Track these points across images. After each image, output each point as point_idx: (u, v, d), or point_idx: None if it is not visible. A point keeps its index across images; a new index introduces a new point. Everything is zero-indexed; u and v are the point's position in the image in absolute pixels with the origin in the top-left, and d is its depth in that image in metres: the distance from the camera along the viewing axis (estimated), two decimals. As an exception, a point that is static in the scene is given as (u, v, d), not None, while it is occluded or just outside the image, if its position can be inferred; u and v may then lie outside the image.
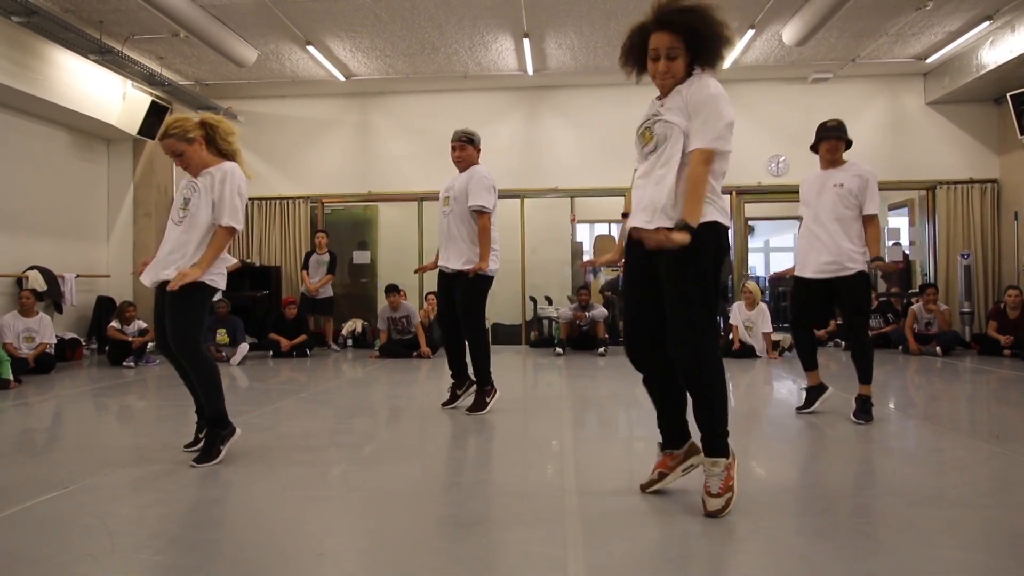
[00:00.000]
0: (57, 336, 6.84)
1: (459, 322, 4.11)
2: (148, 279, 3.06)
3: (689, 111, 2.22)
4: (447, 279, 4.19)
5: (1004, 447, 3.25)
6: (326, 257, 8.46)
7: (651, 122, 2.33)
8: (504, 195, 9.05)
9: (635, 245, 2.33)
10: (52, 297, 7.48)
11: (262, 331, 8.04)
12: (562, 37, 7.58)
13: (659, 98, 2.38)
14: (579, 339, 8.11)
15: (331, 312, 8.64)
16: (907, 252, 9.65)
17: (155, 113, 8.26)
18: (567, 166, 9.12)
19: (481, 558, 1.96)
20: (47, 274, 7.43)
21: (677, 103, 2.26)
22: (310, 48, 7.63)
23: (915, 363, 6.85)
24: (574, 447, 3.33)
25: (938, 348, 7.37)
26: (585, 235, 11.71)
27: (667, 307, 2.23)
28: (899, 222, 10.14)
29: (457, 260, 4.05)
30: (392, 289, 7.92)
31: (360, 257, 9.95)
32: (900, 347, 7.75)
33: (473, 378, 4.22)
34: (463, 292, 4.05)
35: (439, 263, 4.22)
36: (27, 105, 7.16)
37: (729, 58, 7.97)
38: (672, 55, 2.25)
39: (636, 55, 2.35)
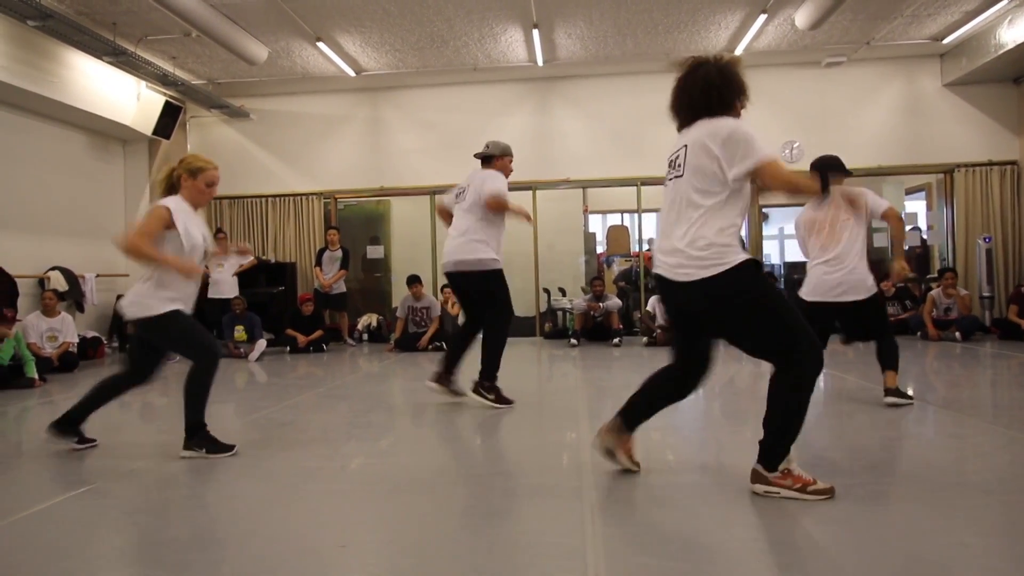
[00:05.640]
0: (79, 335, 6.95)
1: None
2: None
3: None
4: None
5: (1026, 432, 3.22)
6: (339, 253, 8.52)
7: None
8: (516, 187, 9.04)
9: None
10: (73, 297, 7.60)
11: (279, 327, 8.12)
12: (571, 27, 7.53)
13: None
14: (593, 330, 8.10)
15: (345, 307, 8.70)
16: (925, 237, 9.53)
17: (169, 113, 8.34)
18: (579, 157, 9.09)
19: (501, 549, 1.98)
20: (68, 274, 7.55)
21: None
22: (320, 44, 7.65)
23: (934, 349, 6.78)
24: (590, 438, 3.34)
25: (958, 333, 7.29)
26: (598, 226, 11.67)
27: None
28: (916, 206, 10.00)
29: None
30: (415, 279, 8.03)
31: (374, 252, 9.99)
32: (919, 333, 7.67)
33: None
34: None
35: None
36: (44, 108, 7.26)
37: (741, 44, 7.89)
38: None
39: None
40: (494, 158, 4.20)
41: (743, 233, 9.33)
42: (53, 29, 6.22)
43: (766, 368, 2.34)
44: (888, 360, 3.87)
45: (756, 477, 2.35)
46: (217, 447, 3.09)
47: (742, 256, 2.28)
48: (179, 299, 3.10)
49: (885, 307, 3.99)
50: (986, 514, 2.18)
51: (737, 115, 2.39)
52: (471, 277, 4.05)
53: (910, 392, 3.99)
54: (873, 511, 2.22)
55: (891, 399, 3.80)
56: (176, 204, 3.11)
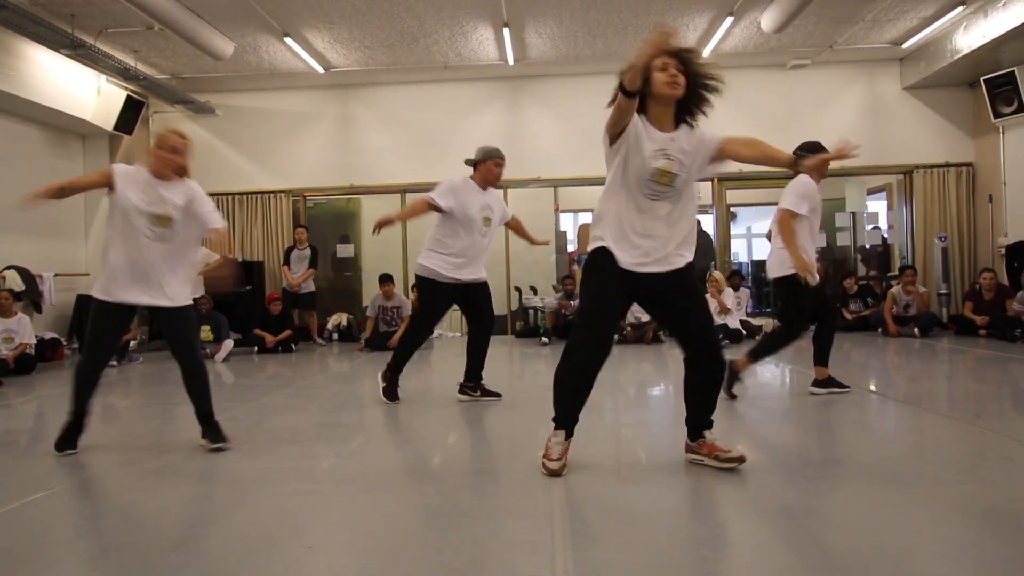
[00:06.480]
0: (37, 336, 6.74)
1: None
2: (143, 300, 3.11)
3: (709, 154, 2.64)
4: (463, 290, 4.16)
5: (979, 425, 3.33)
6: (307, 252, 8.42)
7: (666, 165, 2.56)
8: (487, 186, 9.13)
9: (635, 276, 2.56)
10: (31, 297, 7.37)
11: (246, 327, 7.98)
12: (542, 26, 7.55)
13: (663, 130, 2.59)
14: (564, 328, 8.14)
15: (313, 307, 8.61)
16: (886, 236, 9.79)
17: (131, 108, 8.14)
18: (549, 156, 9.12)
19: (470, 548, 1.99)
20: (25, 273, 7.32)
21: (693, 144, 2.62)
22: (288, 40, 7.54)
23: (894, 344, 6.98)
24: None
25: (916, 329, 7.51)
26: (569, 224, 11.73)
27: (701, 317, 2.64)
28: (878, 206, 10.26)
29: (482, 271, 4.24)
30: (387, 278, 8.01)
31: (344, 251, 9.89)
32: (880, 329, 7.88)
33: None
34: (488, 295, 4.31)
35: (458, 277, 4.08)
36: (-1, 102, 7.03)
37: (708, 45, 8.00)
38: (680, 70, 2.55)
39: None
40: (477, 163, 4.20)
41: (711, 231, 9.48)
42: (7, 20, 6.02)
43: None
44: (756, 347, 4.05)
45: (686, 448, 2.70)
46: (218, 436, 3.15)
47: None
48: (116, 283, 3.06)
49: (796, 297, 3.91)
50: (941, 504, 2.25)
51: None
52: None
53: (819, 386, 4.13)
54: (833, 502, 2.28)
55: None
56: (130, 170, 3.13)
